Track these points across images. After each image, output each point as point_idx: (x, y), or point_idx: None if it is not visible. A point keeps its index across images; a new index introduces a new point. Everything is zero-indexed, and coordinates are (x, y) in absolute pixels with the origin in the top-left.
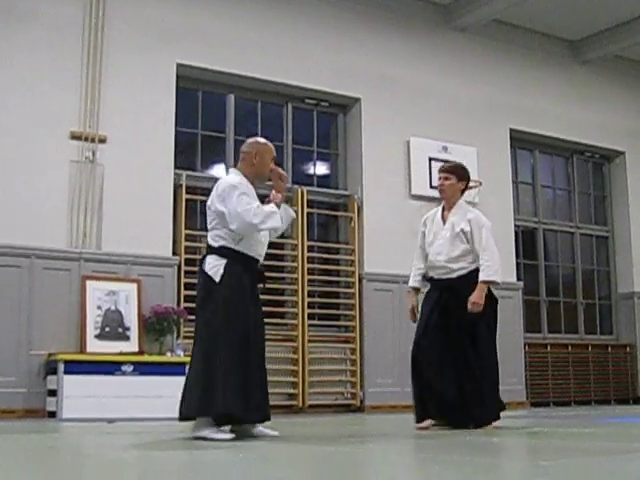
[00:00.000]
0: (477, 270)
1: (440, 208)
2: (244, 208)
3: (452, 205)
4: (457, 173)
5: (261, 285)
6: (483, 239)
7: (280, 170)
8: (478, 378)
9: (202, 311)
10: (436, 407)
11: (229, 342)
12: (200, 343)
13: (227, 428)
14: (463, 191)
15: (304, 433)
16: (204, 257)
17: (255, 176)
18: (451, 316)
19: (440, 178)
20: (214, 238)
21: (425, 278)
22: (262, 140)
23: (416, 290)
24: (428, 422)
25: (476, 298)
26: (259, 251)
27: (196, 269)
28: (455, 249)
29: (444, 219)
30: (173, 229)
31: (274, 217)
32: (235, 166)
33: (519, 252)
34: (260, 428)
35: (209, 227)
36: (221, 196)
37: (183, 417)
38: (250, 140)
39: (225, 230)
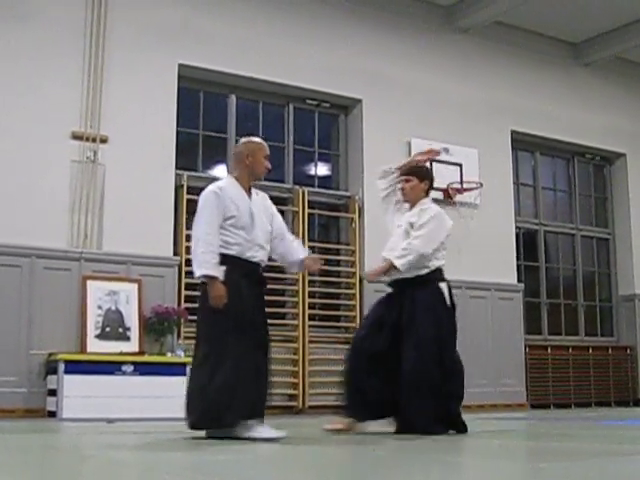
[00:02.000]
0: (435, 271)
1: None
2: (200, 236)
3: (414, 206)
4: (418, 174)
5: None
6: (423, 223)
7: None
8: (407, 384)
9: (201, 318)
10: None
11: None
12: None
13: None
14: (428, 191)
15: (305, 434)
16: None
17: (249, 175)
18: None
19: (401, 182)
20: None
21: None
22: (254, 139)
23: None
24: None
25: (372, 270)
26: (258, 255)
27: None
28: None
29: None
30: (174, 229)
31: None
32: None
33: (520, 254)
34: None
35: None
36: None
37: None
38: (242, 140)
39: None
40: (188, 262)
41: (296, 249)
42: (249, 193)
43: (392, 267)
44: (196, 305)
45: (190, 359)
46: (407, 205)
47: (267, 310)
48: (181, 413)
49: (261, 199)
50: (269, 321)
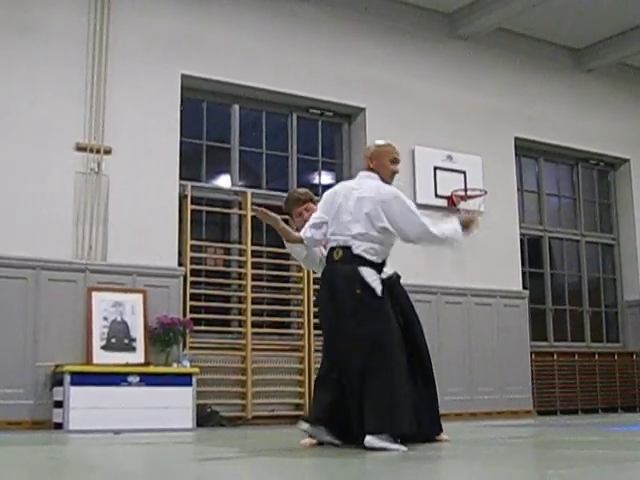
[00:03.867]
0: None
1: None
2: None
3: None
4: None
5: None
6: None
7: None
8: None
9: (362, 321)
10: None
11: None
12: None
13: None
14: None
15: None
16: (352, 265)
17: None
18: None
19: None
20: (368, 251)
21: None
22: (380, 142)
23: None
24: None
25: None
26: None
27: (201, 280)
28: None
29: None
30: (178, 240)
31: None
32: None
33: (525, 260)
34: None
35: (359, 235)
36: (386, 208)
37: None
38: (375, 141)
39: (378, 245)
40: (193, 272)
41: None
42: None
43: None
44: (201, 316)
45: (196, 369)
46: None
47: (273, 320)
48: (187, 423)
49: None
50: (275, 330)
